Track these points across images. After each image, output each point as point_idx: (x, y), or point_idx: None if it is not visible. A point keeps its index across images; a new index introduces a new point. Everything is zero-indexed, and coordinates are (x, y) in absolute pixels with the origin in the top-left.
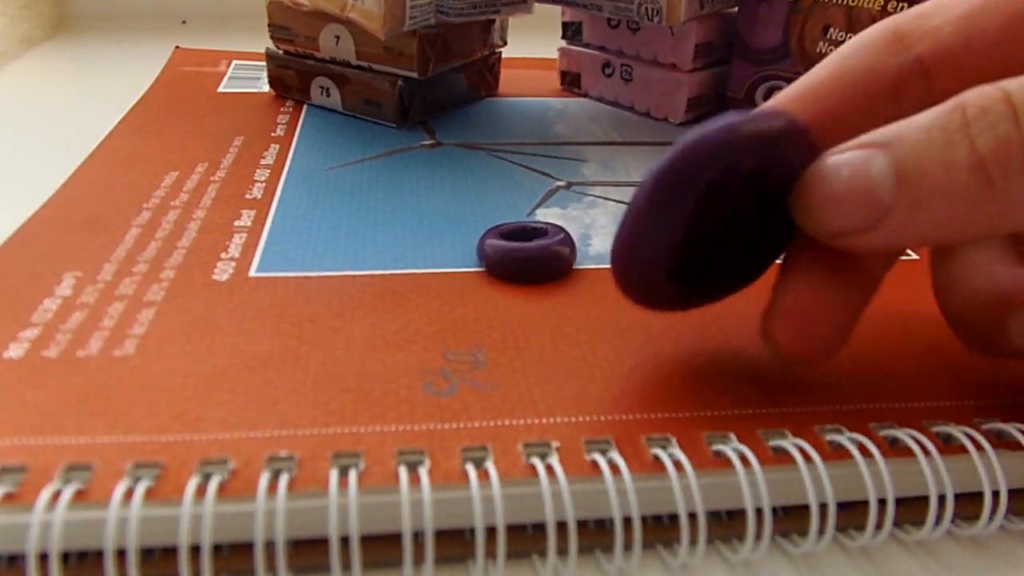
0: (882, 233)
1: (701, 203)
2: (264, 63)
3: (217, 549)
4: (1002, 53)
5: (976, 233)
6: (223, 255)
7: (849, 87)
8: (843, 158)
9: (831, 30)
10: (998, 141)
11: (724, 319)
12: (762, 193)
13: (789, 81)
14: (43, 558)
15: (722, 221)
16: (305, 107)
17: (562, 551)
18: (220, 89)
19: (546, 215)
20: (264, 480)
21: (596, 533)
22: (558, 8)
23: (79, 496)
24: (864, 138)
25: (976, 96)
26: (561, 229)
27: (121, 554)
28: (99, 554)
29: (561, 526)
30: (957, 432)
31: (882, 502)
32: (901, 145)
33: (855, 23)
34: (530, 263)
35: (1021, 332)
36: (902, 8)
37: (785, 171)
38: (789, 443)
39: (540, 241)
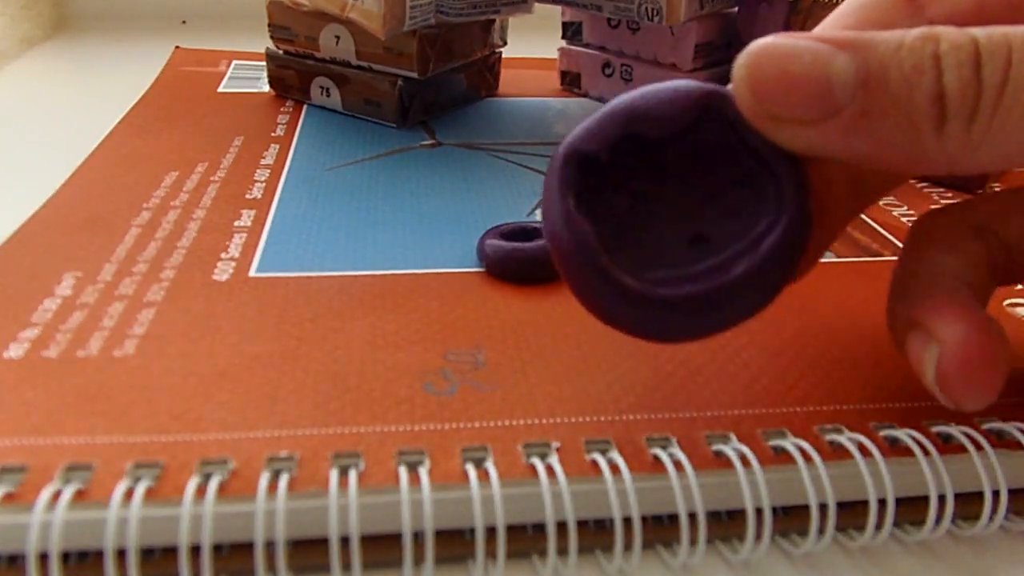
0: (824, 132)
1: (589, 207)
2: (264, 63)
3: (217, 549)
4: (1009, 20)
5: (906, 162)
6: (223, 255)
7: None
8: (805, 44)
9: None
10: (962, 82)
11: None
12: (674, 171)
13: None
14: (43, 558)
15: (637, 203)
16: (305, 107)
17: (562, 551)
18: (220, 89)
19: None
20: (264, 480)
21: (596, 533)
22: (558, 8)
23: (79, 496)
24: (828, 34)
25: (949, 33)
26: None
27: (121, 554)
28: (99, 554)
29: (561, 526)
30: (957, 432)
31: (882, 502)
32: (869, 51)
33: None
34: (530, 263)
35: (908, 350)
36: None
37: (685, 145)
38: (789, 443)
39: (540, 241)
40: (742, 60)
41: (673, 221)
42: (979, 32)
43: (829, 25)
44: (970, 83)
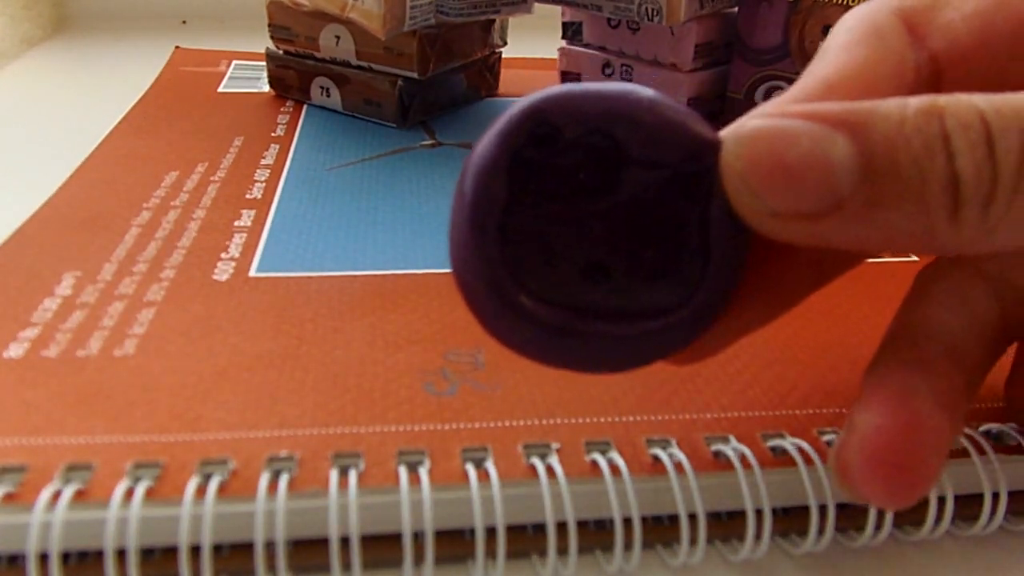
0: (829, 225)
1: (519, 177)
2: (264, 63)
3: (217, 549)
4: (1011, 57)
5: (915, 248)
6: (223, 255)
7: (869, 85)
8: (800, 126)
9: (831, 30)
10: (976, 166)
11: None
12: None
13: (789, 81)
14: (43, 558)
15: (564, 215)
16: (305, 107)
17: (562, 551)
18: (220, 89)
19: None
20: (264, 480)
21: (596, 533)
22: (558, 8)
23: (79, 496)
24: (822, 108)
25: (954, 106)
26: None
27: (121, 554)
28: (99, 554)
29: (561, 526)
30: None
31: None
32: (871, 131)
33: None
34: None
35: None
36: None
37: (647, 161)
38: (789, 444)
39: None
40: (733, 147)
41: (586, 243)
42: (986, 105)
43: (830, 63)
44: (985, 166)
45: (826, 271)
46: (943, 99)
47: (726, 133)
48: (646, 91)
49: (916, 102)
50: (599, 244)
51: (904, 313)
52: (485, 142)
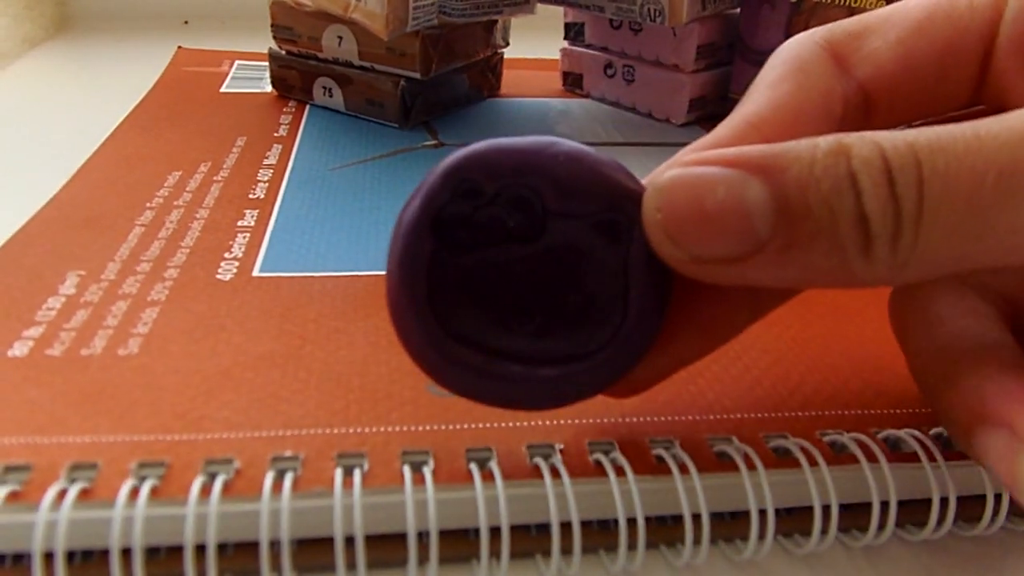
0: (751, 267)
1: (445, 231)
2: (267, 63)
3: (222, 548)
4: (934, 82)
5: (835, 284)
6: (226, 255)
7: (794, 122)
8: (716, 173)
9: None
10: (880, 202)
11: None
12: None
13: None
14: (48, 557)
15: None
16: (308, 107)
17: (566, 551)
18: (223, 89)
19: None
20: (269, 480)
21: (600, 533)
22: (560, 9)
23: (84, 495)
24: (737, 153)
25: (858, 146)
26: None
27: (126, 553)
28: (104, 553)
29: (565, 526)
30: None
31: (884, 503)
32: (784, 174)
33: None
34: None
35: (984, 451)
36: None
37: (558, 206)
38: (792, 444)
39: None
40: (653, 198)
41: (511, 289)
42: (887, 142)
43: (755, 101)
44: (888, 203)
45: (760, 305)
46: (849, 138)
47: (646, 182)
48: (564, 144)
49: (824, 143)
50: (523, 290)
51: (926, 339)
52: (412, 200)
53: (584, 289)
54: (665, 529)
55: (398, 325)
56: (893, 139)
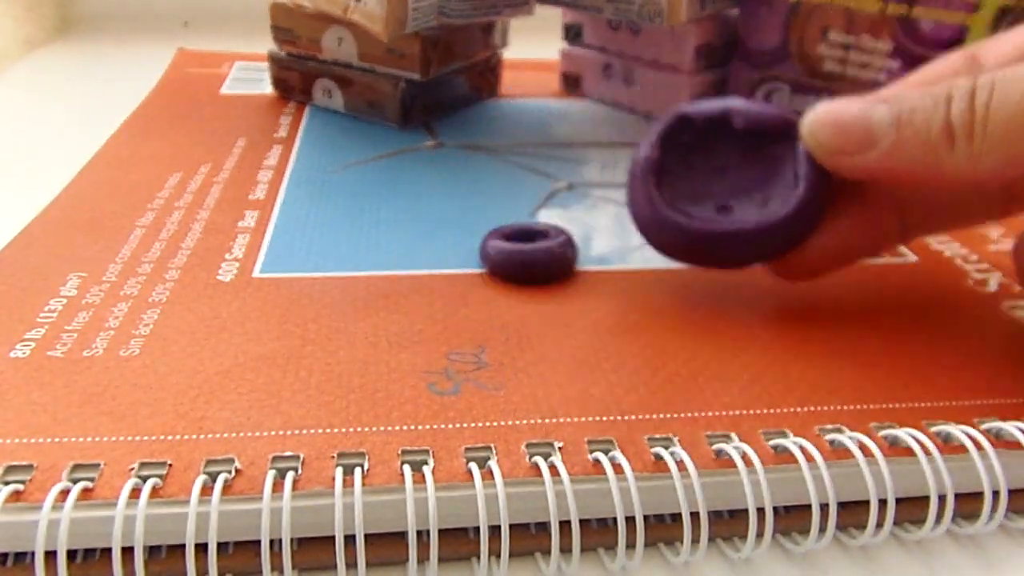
0: (868, 158)
1: (668, 146)
2: (267, 65)
3: (223, 547)
4: None
5: (933, 176)
6: (227, 256)
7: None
8: (855, 100)
9: (831, 32)
10: (961, 112)
11: (725, 320)
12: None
13: (789, 83)
14: (50, 556)
15: (695, 158)
16: (307, 108)
17: (565, 550)
18: (223, 91)
19: (548, 216)
20: (269, 479)
21: (599, 532)
22: (559, 10)
23: (86, 495)
24: (871, 95)
25: (960, 78)
26: (563, 231)
27: (128, 552)
28: (106, 552)
29: (564, 525)
30: (957, 431)
31: (882, 501)
32: (901, 102)
33: (855, 25)
34: (532, 265)
35: None
36: (902, 10)
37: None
38: (790, 442)
39: (542, 243)
40: (808, 115)
41: (715, 185)
42: (983, 75)
43: (903, 82)
44: (967, 111)
45: (907, 223)
46: (957, 79)
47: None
48: (747, 101)
49: (937, 87)
50: (725, 187)
51: None
52: (649, 131)
53: (766, 184)
54: (664, 527)
55: (634, 209)
56: (990, 72)
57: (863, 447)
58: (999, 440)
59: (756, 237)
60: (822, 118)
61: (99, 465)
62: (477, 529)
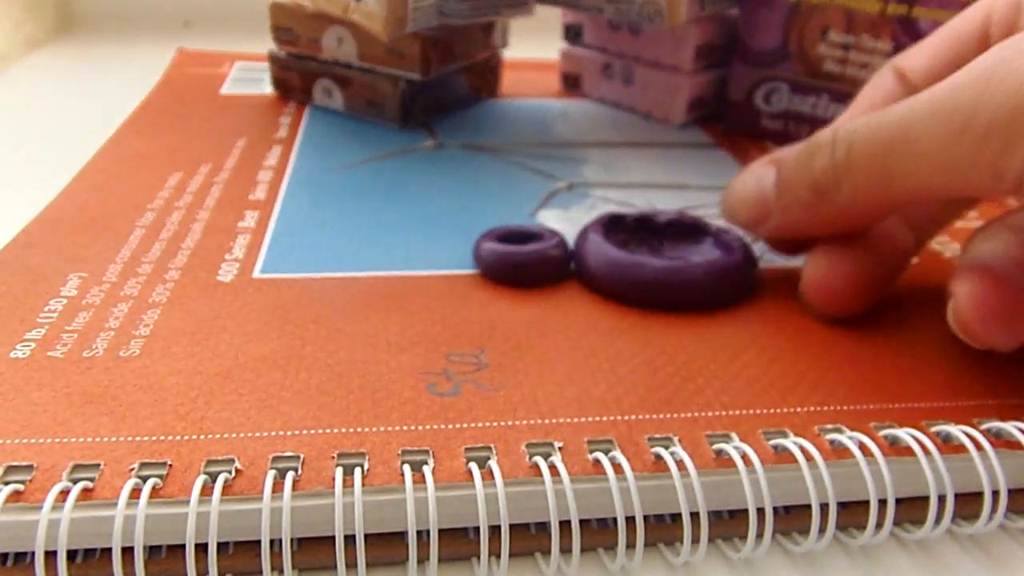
0: (769, 225)
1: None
2: (267, 65)
3: (223, 547)
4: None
5: (822, 231)
6: (227, 256)
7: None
8: (757, 169)
9: (830, 32)
10: (822, 168)
11: (724, 320)
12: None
13: (789, 83)
14: (50, 556)
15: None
16: (308, 108)
17: (565, 550)
18: (223, 91)
19: (548, 216)
20: (269, 479)
21: (599, 532)
22: (559, 10)
23: (86, 495)
24: (770, 156)
25: (821, 132)
26: (556, 233)
27: (128, 552)
28: (106, 552)
29: (564, 525)
30: (957, 431)
31: (882, 501)
32: (783, 165)
33: (854, 25)
34: (521, 267)
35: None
36: (902, 10)
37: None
38: (790, 442)
39: (535, 245)
40: (723, 193)
41: (656, 256)
42: (840, 130)
43: (855, 109)
44: (827, 166)
45: (920, 234)
46: (817, 135)
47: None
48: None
49: (810, 140)
50: (658, 245)
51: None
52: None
53: (703, 245)
54: (664, 527)
55: (584, 259)
56: (849, 126)
57: (863, 447)
58: (999, 440)
59: (711, 274)
60: (727, 199)
61: (99, 465)
62: (477, 529)
